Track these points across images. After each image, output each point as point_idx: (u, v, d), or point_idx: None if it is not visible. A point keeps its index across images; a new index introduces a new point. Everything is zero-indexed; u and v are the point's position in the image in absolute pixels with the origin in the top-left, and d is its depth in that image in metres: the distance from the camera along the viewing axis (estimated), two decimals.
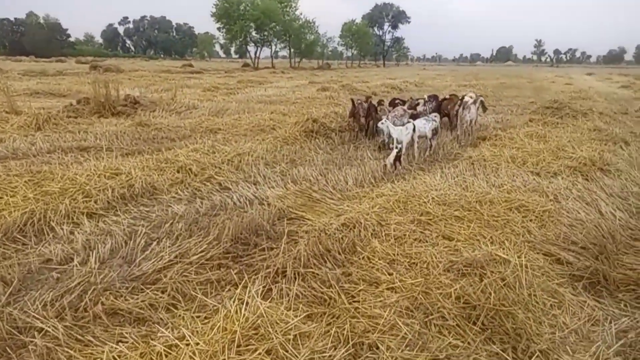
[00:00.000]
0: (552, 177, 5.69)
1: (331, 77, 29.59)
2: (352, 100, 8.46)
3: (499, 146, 7.39)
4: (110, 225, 4.03)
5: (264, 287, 2.94)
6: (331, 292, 2.84)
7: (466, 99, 8.72)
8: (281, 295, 2.85)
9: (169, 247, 3.57)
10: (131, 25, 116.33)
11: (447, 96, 9.95)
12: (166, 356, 2.22)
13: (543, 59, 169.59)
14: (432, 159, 6.93)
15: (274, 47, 62.04)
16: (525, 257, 3.29)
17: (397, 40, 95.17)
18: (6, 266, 3.21)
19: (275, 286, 2.96)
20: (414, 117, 7.86)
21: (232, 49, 77.59)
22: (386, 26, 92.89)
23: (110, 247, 3.59)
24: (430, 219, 4.16)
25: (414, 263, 3.27)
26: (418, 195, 4.73)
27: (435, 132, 7.13)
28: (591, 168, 6.01)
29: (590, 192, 5.12)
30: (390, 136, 6.80)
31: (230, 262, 3.39)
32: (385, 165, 5.98)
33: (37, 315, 2.60)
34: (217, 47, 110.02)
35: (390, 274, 3.07)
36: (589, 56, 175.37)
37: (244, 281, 3.03)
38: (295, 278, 3.06)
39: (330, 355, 2.23)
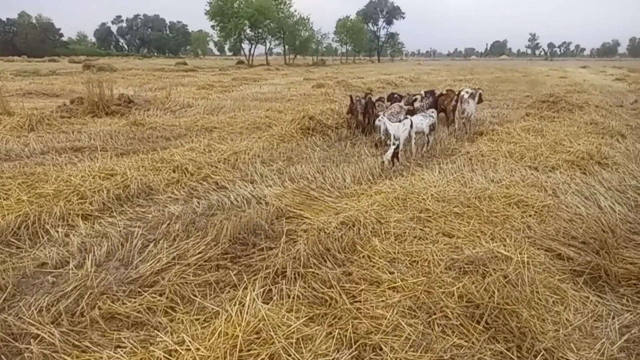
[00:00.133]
0: (550, 172, 5.67)
1: (326, 73, 29.50)
2: (351, 97, 8.41)
3: (496, 141, 7.36)
4: (106, 227, 3.97)
5: (263, 288, 2.90)
6: (332, 292, 2.80)
7: (462, 94, 8.69)
8: (282, 296, 2.81)
9: (166, 248, 3.52)
10: (124, 24, 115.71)
11: (444, 91, 9.93)
12: None
13: (537, 52, 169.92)
14: (430, 154, 6.90)
15: (268, 44, 61.88)
16: (526, 254, 3.26)
17: (392, 36, 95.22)
18: (0, 271, 3.15)
19: (276, 287, 2.91)
20: (410, 112, 7.83)
21: (226, 47, 77.28)
22: (381, 22, 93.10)
23: (106, 249, 3.54)
24: (429, 216, 4.13)
25: (414, 261, 3.24)
26: (417, 192, 4.70)
27: (432, 128, 7.10)
28: (589, 162, 5.99)
29: (589, 186, 5.10)
30: (386, 133, 6.77)
31: (229, 263, 3.34)
32: (383, 162, 5.94)
33: (32, 321, 2.54)
34: (211, 45, 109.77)
35: (391, 273, 3.04)
36: (583, 49, 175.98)
37: (243, 282, 2.99)
38: (296, 278, 3.02)
39: (334, 358, 2.20)
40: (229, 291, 2.92)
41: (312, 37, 70.37)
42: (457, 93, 9.21)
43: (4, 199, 4.24)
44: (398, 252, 3.37)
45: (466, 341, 2.36)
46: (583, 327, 2.56)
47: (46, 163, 5.74)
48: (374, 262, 3.23)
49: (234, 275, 3.11)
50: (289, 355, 2.15)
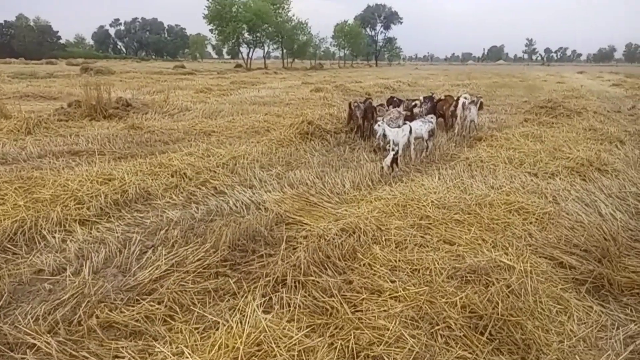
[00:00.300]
0: (550, 178, 5.67)
1: (324, 77, 29.51)
2: (350, 104, 8.39)
3: (496, 147, 7.36)
4: (104, 233, 3.92)
5: (263, 297, 2.86)
6: (333, 301, 2.76)
7: (461, 100, 8.70)
8: (282, 305, 2.77)
9: (164, 255, 3.47)
10: (122, 27, 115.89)
11: (443, 97, 9.94)
12: None
13: (534, 57, 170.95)
14: (429, 160, 6.88)
15: (266, 48, 61.99)
16: (528, 262, 3.24)
17: (390, 41, 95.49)
18: None
19: (276, 296, 2.87)
20: (409, 118, 7.82)
21: (225, 50, 77.29)
22: (378, 27, 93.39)
23: (104, 255, 3.49)
24: (430, 223, 4.10)
25: (416, 269, 3.21)
26: (417, 199, 4.67)
27: (431, 133, 7.09)
28: (588, 168, 5.99)
29: (589, 193, 5.09)
30: (385, 138, 6.76)
31: (228, 270, 3.30)
32: (382, 167, 5.92)
33: (28, 330, 2.49)
34: (209, 48, 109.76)
35: (392, 282, 3.00)
36: (580, 54, 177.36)
37: (243, 291, 2.95)
38: (296, 287, 2.98)
39: None
40: (228, 300, 2.88)
41: (310, 41, 70.49)
42: (455, 99, 9.23)
43: (0, 204, 4.19)
44: (399, 260, 3.34)
45: (470, 353, 2.33)
46: (587, 338, 2.53)
47: (43, 167, 5.69)
48: (375, 270, 3.20)
49: (234, 283, 3.07)
50: None
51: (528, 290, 2.83)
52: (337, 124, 8.77)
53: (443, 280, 2.98)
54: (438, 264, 3.24)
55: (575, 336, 2.53)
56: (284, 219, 4.34)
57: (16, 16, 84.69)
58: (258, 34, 57.13)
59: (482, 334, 2.45)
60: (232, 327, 2.36)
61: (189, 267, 3.28)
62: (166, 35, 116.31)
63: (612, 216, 4.43)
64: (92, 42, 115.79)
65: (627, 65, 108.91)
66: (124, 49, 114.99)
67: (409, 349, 2.31)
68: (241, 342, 2.19)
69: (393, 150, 6.05)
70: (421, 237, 3.80)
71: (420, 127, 6.88)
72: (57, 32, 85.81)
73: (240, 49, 58.62)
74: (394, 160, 5.94)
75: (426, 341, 2.39)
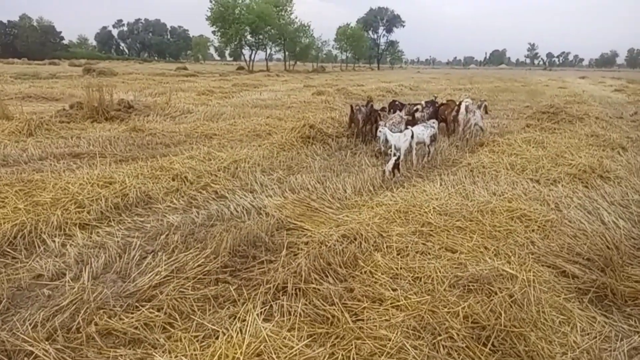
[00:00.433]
0: (552, 185, 5.64)
1: (326, 80, 29.53)
2: (351, 107, 8.38)
3: (497, 152, 7.33)
4: (104, 238, 3.90)
5: (264, 304, 2.83)
6: (334, 310, 2.74)
7: (463, 106, 8.69)
8: (282, 313, 2.74)
9: (165, 260, 3.45)
10: (125, 28, 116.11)
11: (445, 101, 9.93)
12: None
13: (536, 62, 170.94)
14: (431, 165, 6.86)
15: (268, 50, 62.09)
16: (531, 271, 3.22)
17: (392, 44, 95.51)
18: None
19: (276, 303, 2.85)
20: (410, 123, 7.80)
21: (227, 52, 77.51)
22: (381, 30, 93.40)
23: (103, 261, 3.47)
24: (432, 230, 4.08)
25: (417, 278, 3.18)
26: (419, 205, 4.65)
27: (433, 138, 7.07)
28: (591, 175, 5.96)
29: (592, 201, 5.06)
30: (386, 143, 6.74)
31: (229, 276, 3.28)
32: (384, 171, 5.88)
33: (27, 337, 2.47)
34: (212, 50, 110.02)
35: (394, 290, 2.98)
36: (582, 59, 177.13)
37: (243, 298, 2.92)
38: (297, 294, 2.96)
39: None
40: (228, 307, 2.85)
41: (313, 43, 70.60)
42: (457, 103, 9.21)
43: (0, 207, 4.17)
44: (400, 268, 3.32)
45: None
46: (591, 349, 2.50)
47: (44, 169, 5.68)
48: (376, 278, 3.18)
49: (234, 290, 3.04)
50: None
51: (531, 300, 2.80)
52: (338, 128, 8.77)
53: (445, 289, 2.96)
54: (440, 272, 3.22)
55: (578, 348, 2.50)
56: (284, 224, 4.32)
57: (19, 16, 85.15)
58: (260, 36, 57.25)
59: (484, 345, 2.42)
60: (232, 337, 2.34)
61: (189, 273, 3.26)
62: (169, 36, 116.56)
63: (614, 224, 4.40)
64: (94, 43, 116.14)
65: (629, 71, 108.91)
66: (126, 50, 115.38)
67: None
68: (241, 353, 2.16)
69: (395, 155, 6.03)
70: (423, 244, 3.78)
71: (422, 132, 6.85)
72: (60, 32, 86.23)
73: (243, 51, 58.76)
74: (396, 165, 5.91)
75: (428, 352, 2.36)
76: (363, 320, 2.66)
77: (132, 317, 2.71)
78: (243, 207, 4.77)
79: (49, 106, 11.97)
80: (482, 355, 2.35)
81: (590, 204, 4.94)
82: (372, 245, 3.71)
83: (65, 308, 2.79)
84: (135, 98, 12.80)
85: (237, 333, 2.37)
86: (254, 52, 58.69)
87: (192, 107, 12.15)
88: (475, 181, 5.77)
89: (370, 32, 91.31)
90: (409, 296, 2.88)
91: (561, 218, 4.45)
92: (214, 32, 55.18)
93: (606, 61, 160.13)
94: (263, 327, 2.42)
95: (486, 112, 9.59)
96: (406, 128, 6.98)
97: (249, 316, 2.54)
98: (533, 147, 7.60)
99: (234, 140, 8.17)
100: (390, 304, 2.82)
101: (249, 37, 56.30)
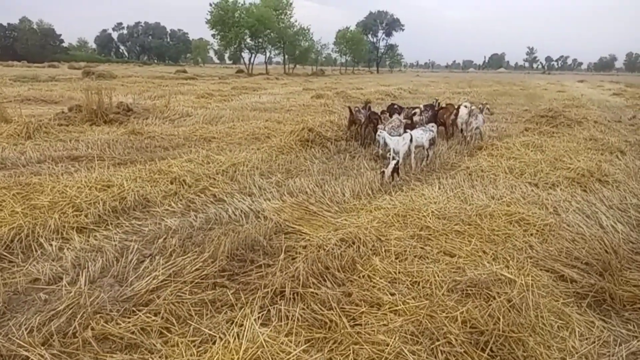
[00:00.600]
0: (550, 189, 5.63)
1: (325, 83, 29.60)
2: (350, 109, 8.38)
3: (496, 156, 7.33)
4: (101, 241, 3.89)
5: (261, 309, 2.82)
6: (332, 314, 2.73)
7: (462, 109, 8.71)
8: (280, 317, 2.73)
9: (162, 264, 3.44)
10: (125, 31, 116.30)
11: (444, 105, 9.95)
12: None
13: (535, 66, 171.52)
14: (429, 169, 6.86)
15: (268, 54, 62.22)
16: (529, 276, 3.21)
17: (391, 47, 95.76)
18: None
19: (274, 308, 2.84)
20: (409, 126, 7.81)
21: (227, 55, 77.64)
22: (380, 33, 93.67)
23: (101, 264, 3.45)
24: (430, 234, 4.07)
25: (416, 282, 3.17)
26: (417, 209, 4.64)
27: (432, 142, 7.07)
28: (589, 179, 5.96)
29: (590, 205, 5.06)
30: (385, 146, 6.74)
31: (226, 281, 3.27)
32: (383, 173, 5.88)
33: (22, 342, 2.46)
34: (211, 53, 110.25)
35: (392, 295, 2.97)
36: (580, 63, 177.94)
37: (240, 302, 2.91)
38: (295, 299, 2.95)
39: None
40: (226, 312, 2.84)
41: (312, 47, 70.90)
42: (456, 107, 9.23)
43: None
44: (399, 272, 3.31)
45: None
46: (590, 354, 2.49)
47: (42, 173, 5.66)
48: (374, 283, 3.17)
49: (231, 294, 3.03)
50: None
51: (529, 305, 2.79)
52: (337, 131, 8.77)
53: (443, 293, 2.95)
54: (438, 276, 3.21)
55: (577, 353, 2.49)
56: (283, 228, 4.31)
57: (19, 19, 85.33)
58: (260, 40, 57.45)
59: (483, 350, 2.41)
60: (229, 342, 2.33)
61: (186, 278, 3.25)
62: (169, 39, 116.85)
63: (613, 228, 4.40)
64: (94, 46, 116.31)
65: (627, 75, 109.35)
66: (126, 53, 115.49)
67: None
68: (238, 358, 2.15)
69: (394, 159, 6.03)
70: (421, 248, 3.77)
71: (421, 135, 6.86)
72: (60, 35, 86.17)
73: (242, 54, 58.93)
74: (395, 169, 5.91)
75: (426, 357, 2.35)
76: (361, 325, 2.64)
77: (129, 322, 2.69)
78: (241, 210, 4.76)
79: (48, 109, 11.97)
80: None
81: (589, 208, 4.93)
82: (371, 249, 3.70)
83: (62, 312, 2.78)
84: (135, 101, 12.80)
85: (235, 338, 2.36)
86: (253, 55, 58.94)
87: (191, 110, 12.15)
88: (474, 185, 5.77)
89: (369, 36, 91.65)
90: (407, 301, 2.87)
91: (560, 222, 4.44)
92: (213, 36, 55.43)
93: (605, 65, 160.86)
94: (260, 332, 2.41)
95: (490, 113, 9.60)
96: (405, 131, 6.98)
97: (247, 321, 2.53)
98: (532, 150, 7.60)
99: (233, 144, 8.16)
100: (389, 308, 2.81)
101: (248, 40, 56.52)
